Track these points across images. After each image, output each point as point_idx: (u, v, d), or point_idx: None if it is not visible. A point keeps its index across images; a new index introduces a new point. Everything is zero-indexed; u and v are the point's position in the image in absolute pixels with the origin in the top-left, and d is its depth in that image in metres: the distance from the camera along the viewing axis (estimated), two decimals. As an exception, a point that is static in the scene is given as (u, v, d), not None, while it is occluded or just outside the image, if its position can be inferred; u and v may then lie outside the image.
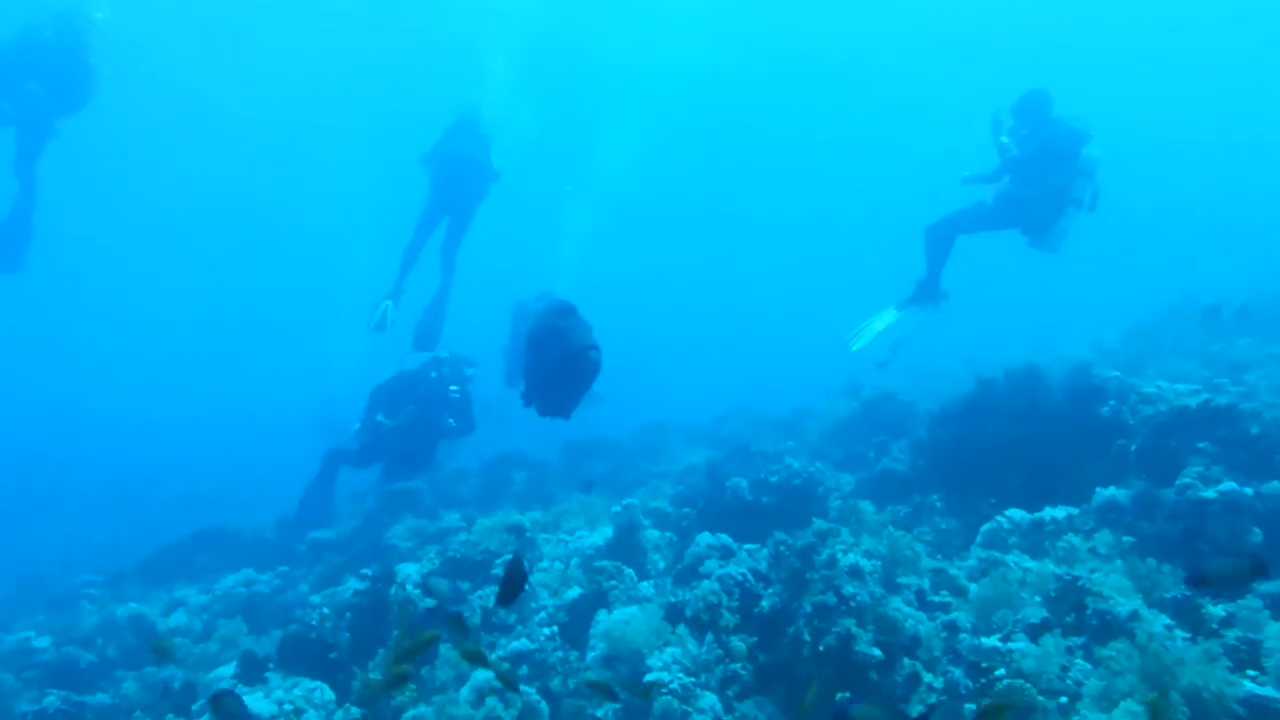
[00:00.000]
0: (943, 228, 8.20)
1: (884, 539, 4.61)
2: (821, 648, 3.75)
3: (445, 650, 4.51)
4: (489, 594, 5.19)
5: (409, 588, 5.25)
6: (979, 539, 5.48)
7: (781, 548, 4.27)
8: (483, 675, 4.15)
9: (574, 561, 5.91)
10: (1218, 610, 3.77)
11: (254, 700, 4.22)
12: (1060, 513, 5.30)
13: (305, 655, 4.90)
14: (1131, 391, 5.78)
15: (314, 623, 4.97)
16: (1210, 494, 4.53)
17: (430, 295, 10.19)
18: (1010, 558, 4.84)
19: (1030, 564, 4.64)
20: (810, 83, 31.34)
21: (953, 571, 4.78)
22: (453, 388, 9.26)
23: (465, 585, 5.49)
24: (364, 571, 5.56)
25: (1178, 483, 4.71)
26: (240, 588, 7.58)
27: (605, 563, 5.47)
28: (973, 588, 4.53)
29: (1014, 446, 6.07)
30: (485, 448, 11.11)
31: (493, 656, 4.60)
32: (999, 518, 5.46)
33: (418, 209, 10.10)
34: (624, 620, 4.32)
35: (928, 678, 3.73)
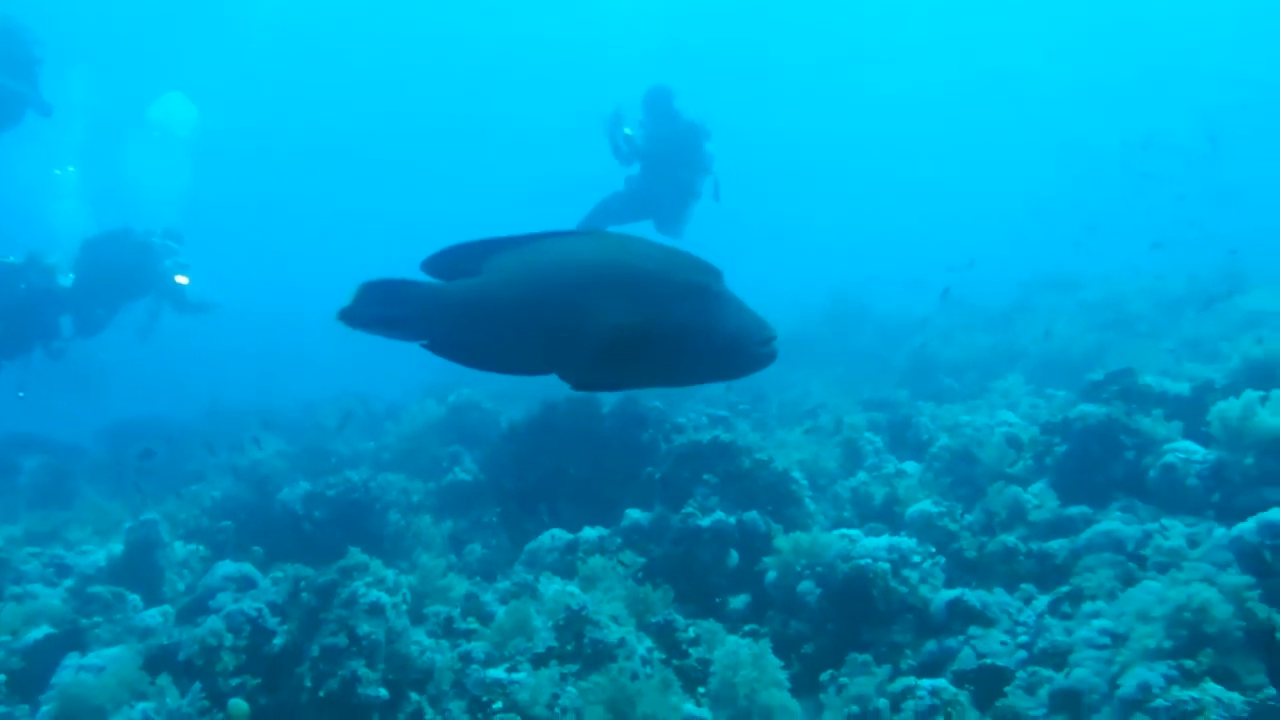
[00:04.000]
0: (589, 224, 8.64)
1: (417, 569, 4.58)
2: (323, 693, 3.58)
3: None
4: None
5: None
6: (522, 557, 5.75)
7: (301, 584, 4.00)
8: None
9: (65, 586, 5.00)
10: (689, 633, 4.36)
11: None
12: (593, 533, 5.78)
13: None
14: (667, 421, 6.53)
15: None
16: (704, 522, 5.25)
17: None
18: (542, 581, 5.14)
19: (556, 586, 4.97)
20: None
21: (485, 597, 4.92)
22: None
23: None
24: None
25: (683, 510, 5.39)
26: None
27: (102, 589, 4.70)
28: (499, 614, 4.71)
29: (568, 466, 6.50)
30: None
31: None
32: (542, 536, 5.79)
33: None
34: (95, 667, 3.72)
35: (429, 714, 3.77)
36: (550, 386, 9.33)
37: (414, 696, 3.84)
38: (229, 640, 3.92)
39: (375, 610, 3.97)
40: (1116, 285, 11.83)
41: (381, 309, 1.70)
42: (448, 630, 4.55)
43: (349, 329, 1.70)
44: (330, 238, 37.78)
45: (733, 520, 5.32)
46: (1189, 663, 3.12)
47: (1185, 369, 6.59)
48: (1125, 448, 4.98)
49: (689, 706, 3.60)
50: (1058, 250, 17.41)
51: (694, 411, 6.99)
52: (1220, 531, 3.68)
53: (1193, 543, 4.13)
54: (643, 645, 4.25)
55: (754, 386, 11.14)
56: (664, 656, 4.22)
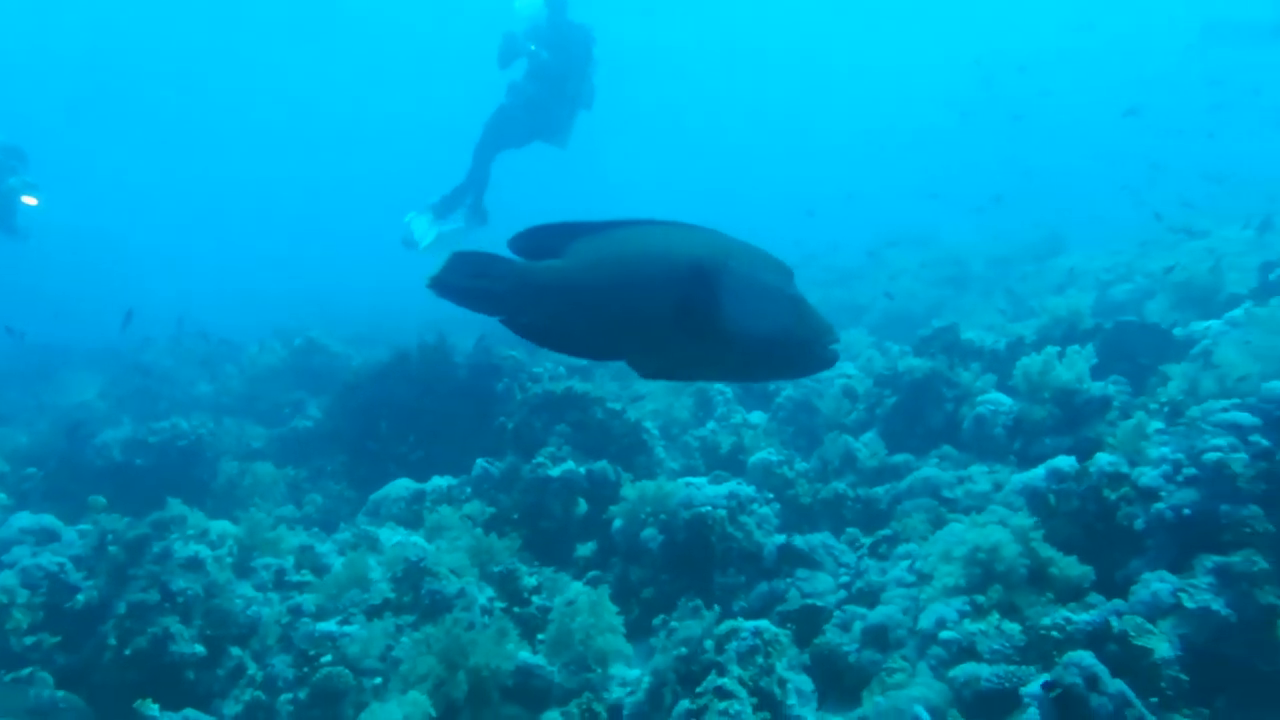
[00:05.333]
0: (483, 146, 8.32)
1: (243, 522, 4.36)
2: (129, 651, 3.37)
3: None
4: None
5: None
6: (365, 507, 5.60)
7: (109, 537, 3.73)
8: None
9: None
10: (532, 581, 4.39)
11: None
12: (443, 483, 5.69)
13: None
14: (523, 370, 6.46)
15: None
16: (555, 471, 5.26)
17: None
18: (384, 531, 5.02)
19: (398, 537, 4.87)
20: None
21: (322, 548, 4.76)
22: None
23: None
24: None
25: (534, 460, 5.38)
26: None
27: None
28: (336, 565, 4.58)
29: (419, 415, 6.34)
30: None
31: None
32: (388, 486, 5.65)
33: None
34: None
35: (251, 669, 3.63)
36: (403, 332, 8.99)
37: (235, 651, 3.68)
38: (22, 597, 3.61)
39: (193, 564, 3.76)
40: (959, 243, 12.61)
41: (470, 280, 1.73)
42: (279, 583, 4.37)
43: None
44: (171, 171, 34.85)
45: (582, 470, 5.36)
46: (980, 598, 3.42)
47: (1006, 325, 7.10)
48: (946, 399, 5.34)
49: (524, 654, 3.63)
50: (913, 206, 18.31)
51: (552, 361, 6.94)
52: (1016, 477, 4.02)
53: (997, 487, 4.50)
54: (484, 595, 4.24)
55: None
56: (505, 605, 4.24)
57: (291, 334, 8.90)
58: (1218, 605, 2.86)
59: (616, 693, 3.61)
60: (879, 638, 3.70)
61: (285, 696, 3.48)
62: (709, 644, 3.43)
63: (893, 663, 3.52)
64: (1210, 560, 2.97)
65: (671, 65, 36.29)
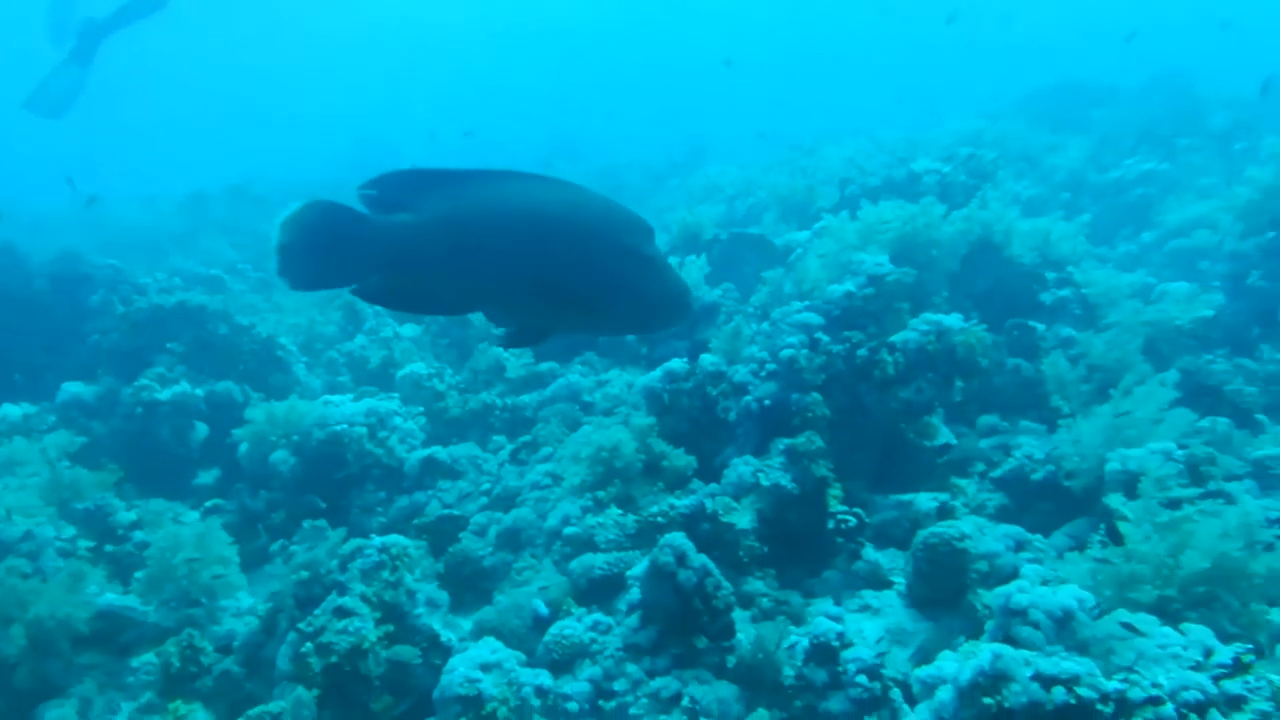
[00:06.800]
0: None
1: None
2: None
3: None
4: None
5: None
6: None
7: None
8: None
9: None
10: (129, 515, 3.86)
11: None
12: (16, 411, 4.75)
13: None
14: (124, 281, 5.54)
15: None
16: (164, 395, 4.62)
17: None
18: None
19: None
20: None
21: None
22: None
23: None
24: None
25: (137, 383, 4.68)
26: None
27: None
28: None
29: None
30: None
31: None
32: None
33: None
34: None
35: None
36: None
37: None
38: None
39: None
40: (616, 155, 13.28)
41: (317, 258, 1.58)
42: None
43: None
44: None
45: (200, 392, 4.78)
46: (601, 493, 3.64)
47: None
48: (589, 311, 5.56)
49: (110, 596, 3.18)
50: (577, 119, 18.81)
51: (165, 271, 6.03)
52: (642, 379, 4.31)
53: (630, 389, 4.82)
54: (65, 535, 3.64)
55: (265, 243, 10.13)
56: (94, 545, 3.68)
57: None
58: (785, 480, 3.32)
59: (229, 624, 3.33)
60: (512, 540, 3.82)
61: None
62: (334, 564, 3.27)
63: (523, 562, 3.66)
64: (782, 443, 3.43)
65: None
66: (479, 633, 3.10)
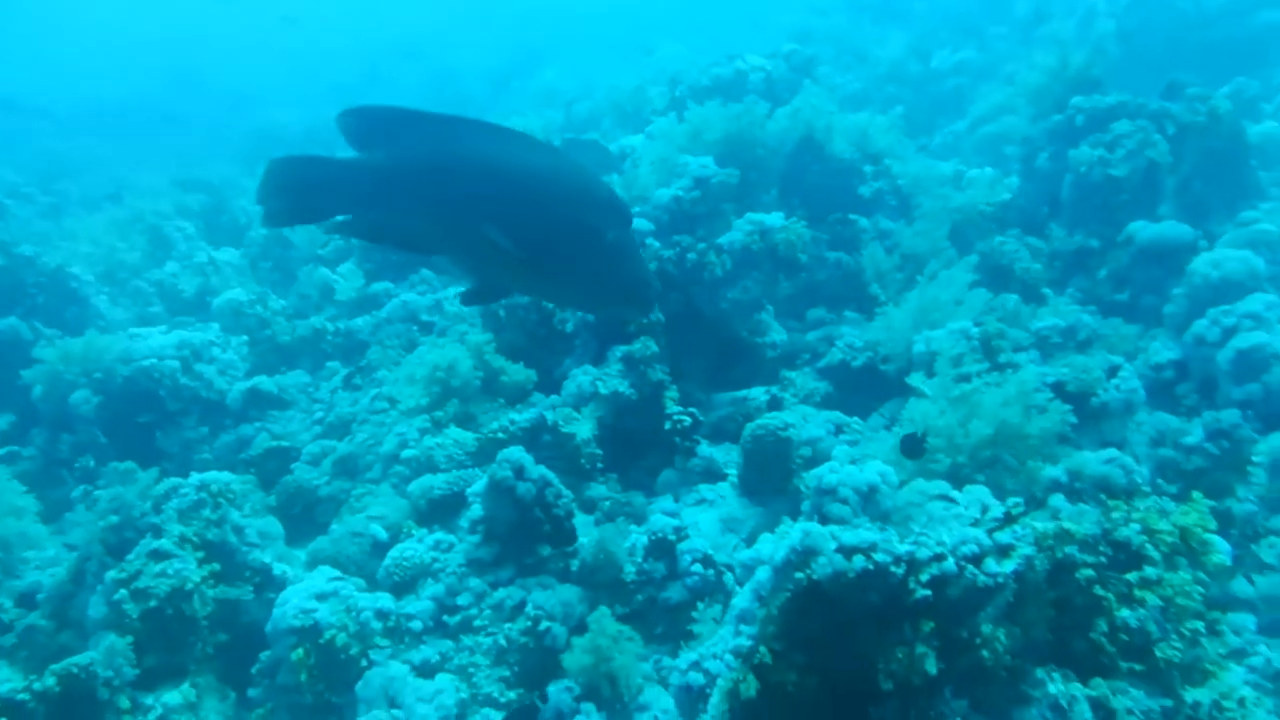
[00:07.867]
0: None
1: None
2: None
3: None
4: None
5: None
6: None
7: None
8: None
9: None
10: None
11: None
12: None
13: None
14: None
15: None
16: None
17: None
18: None
19: None
20: None
21: None
22: None
23: None
24: None
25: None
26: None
27: None
28: None
29: None
30: None
31: None
32: None
33: None
34: None
35: None
36: None
37: None
38: None
39: None
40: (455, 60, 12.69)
41: (298, 207, 1.68)
42: None
43: None
44: None
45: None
46: (439, 413, 3.56)
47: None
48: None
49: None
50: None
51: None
52: (477, 296, 4.19)
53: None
54: None
55: (54, 163, 9.03)
56: None
57: None
58: (623, 387, 3.36)
59: (32, 577, 3.07)
60: (349, 467, 3.69)
61: None
62: (147, 506, 3.05)
63: (361, 489, 3.55)
64: (620, 350, 3.45)
65: None
66: (314, 563, 3.00)
